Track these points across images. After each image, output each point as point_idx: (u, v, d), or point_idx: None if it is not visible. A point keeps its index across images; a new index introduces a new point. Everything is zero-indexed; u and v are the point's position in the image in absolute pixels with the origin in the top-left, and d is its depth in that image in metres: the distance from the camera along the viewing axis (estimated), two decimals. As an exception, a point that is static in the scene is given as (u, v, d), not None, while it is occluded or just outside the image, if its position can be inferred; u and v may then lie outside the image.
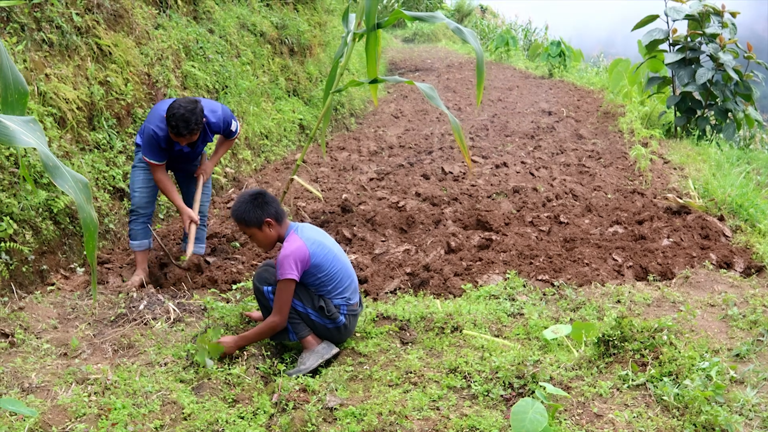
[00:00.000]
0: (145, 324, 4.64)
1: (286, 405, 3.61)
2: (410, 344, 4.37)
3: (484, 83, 6.40)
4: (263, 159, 9.25)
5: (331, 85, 6.89)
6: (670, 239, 6.11)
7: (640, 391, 3.50)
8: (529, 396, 3.51)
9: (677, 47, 10.57)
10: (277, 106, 10.37)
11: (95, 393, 3.69)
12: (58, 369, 3.95)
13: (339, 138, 11.24)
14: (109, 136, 6.44)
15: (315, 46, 12.48)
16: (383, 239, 6.41)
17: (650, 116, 11.76)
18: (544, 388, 3.30)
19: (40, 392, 3.68)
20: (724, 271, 5.43)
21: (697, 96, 10.56)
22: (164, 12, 8.16)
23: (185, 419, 3.51)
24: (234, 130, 5.55)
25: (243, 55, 9.65)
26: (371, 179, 8.63)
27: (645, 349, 3.70)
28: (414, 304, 4.94)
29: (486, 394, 3.64)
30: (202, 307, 4.90)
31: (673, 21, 10.53)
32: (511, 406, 3.33)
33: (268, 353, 4.22)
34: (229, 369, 3.98)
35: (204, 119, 5.20)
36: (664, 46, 10.81)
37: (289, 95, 11.07)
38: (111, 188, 6.22)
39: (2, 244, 4.88)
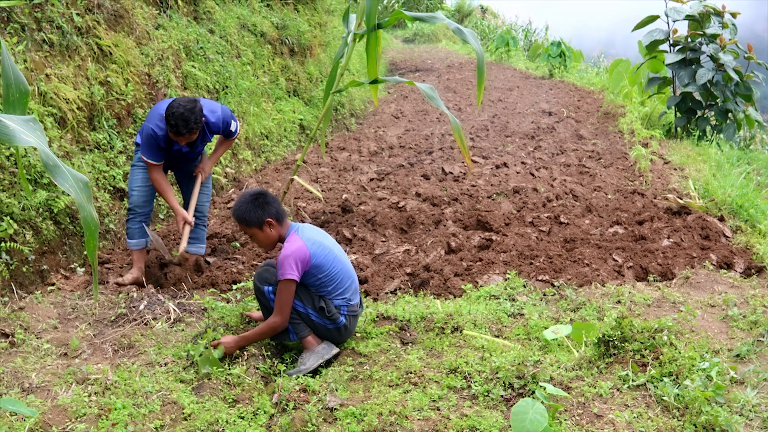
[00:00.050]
0: (146, 324, 4.64)
1: (287, 405, 3.61)
2: (410, 344, 4.37)
3: (485, 84, 6.39)
4: (263, 159, 9.25)
5: (331, 86, 6.89)
6: (671, 240, 6.11)
7: (641, 392, 3.50)
8: (529, 396, 3.51)
9: (678, 48, 10.57)
10: (277, 106, 10.37)
11: (95, 393, 3.69)
12: (59, 369, 3.95)
13: (339, 138, 11.24)
14: (110, 136, 6.44)
15: (315, 47, 12.48)
16: (383, 239, 6.41)
17: (650, 117, 11.76)
18: (545, 389, 3.30)
19: (41, 392, 3.68)
20: (725, 271, 5.43)
21: (697, 96, 10.56)
22: (165, 12, 8.16)
23: (185, 419, 3.51)
24: (234, 130, 5.54)
25: (243, 55, 9.65)
26: (371, 179, 8.63)
27: (645, 350, 3.70)
28: (414, 304, 4.94)
29: (486, 394, 3.64)
30: (203, 308, 4.90)
31: (674, 21, 10.53)
32: (512, 406, 3.33)
33: (269, 353, 4.22)
34: (230, 369, 3.98)
35: (203, 119, 5.20)
36: (665, 46, 10.82)
37: (289, 95, 11.08)
38: (111, 188, 6.23)
39: (2, 244, 4.88)
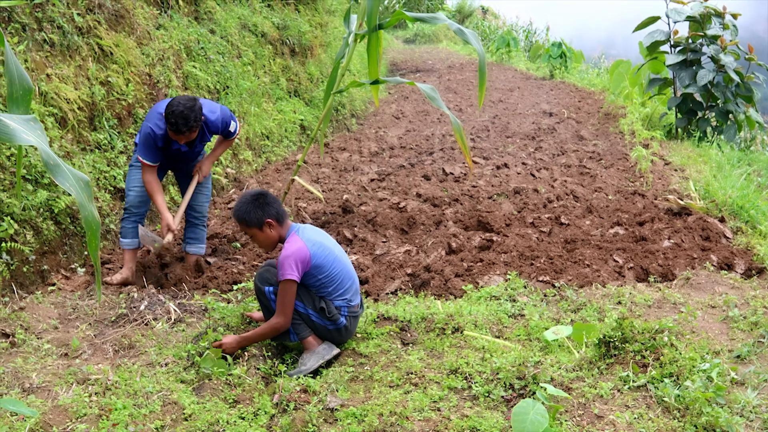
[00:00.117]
0: (146, 324, 4.65)
1: (287, 405, 3.61)
2: (411, 345, 4.37)
3: (486, 84, 6.39)
4: (264, 159, 9.25)
5: (332, 86, 6.89)
6: (671, 240, 6.11)
7: (641, 393, 3.50)
8: (530, 397, 3.51)
9: (678, 49, 10.57)
10: (278, 106, 10.37)
11: (96, 393, 3.69)
12: (59, 369, 3.95)
13: (340, 139, 11.24)
14: (110, 136, 6.44)
15: (316, 47, 12.49)
16: (384, 240, 6.41)
17: (651, 117, 11.76)
18: (545, 389, 3.29)
19: (41, 392, 3.68)
20: (725, 272, 5.43)
21: (698, 97, 10.55)
22: (165, 12, 8.17)
23: (186, 420, 3.51)
24: (233, 130, 5.53)
25: (244, 55, 9.65)
26: (372, 180, 8.62)
27: (646, 351, 3.70)
28: (415, 305, 4.94)
29: (487, 395, 3.63)
30: (203, 308, 4.90)
31: (674, 22, 10.53)
32: (512, 407, 3.33)
33: (269, 354, 4.22)
34: (230, 369, 3.98)
35: (202, 118, 5.20)
36: (665, 47, 10.81)
37: (290, 96, 11.08)
38: (112, 188, 6.23)
39: (3, 244, 4.88)
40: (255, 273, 4.54)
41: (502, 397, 3.60)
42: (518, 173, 8.81)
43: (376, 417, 3.42)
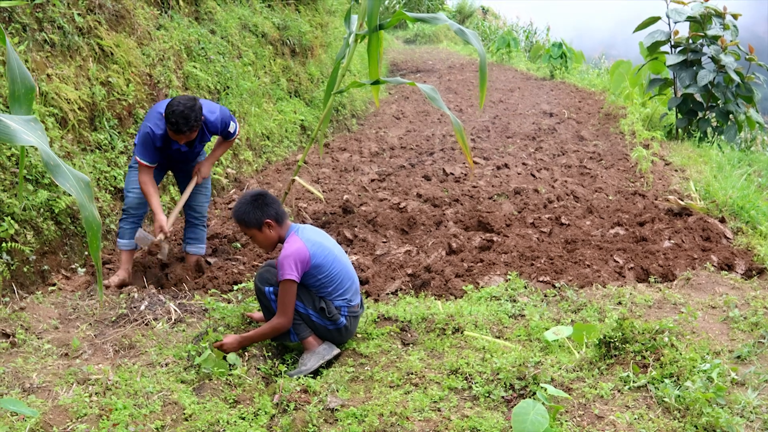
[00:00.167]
0: (146, 324, 4.65)
1: (287, 406, 3.61)
2: (411, 345, 4.37)
3: (486, 84, 6.39)
4: (264, 160, 9.25)
5: (332, 86, 6.89)
6: (672, 241, 6.11)
7: (641, 393, 3.50)
8: (530, 397, 3.51)
9: (679, 49, 10.57)
10: (278, 107, 10.37)
11: (96, 393, 3.69)
12: (59, 369, 3.95)
13: (340, 139, 11.24)
14: (111, 136, 6.44)
15: (316, 47, 12.49)
16: (384, 240, 6.41)
17: (651, 118, 11.76)
18: (545, 390, 3.29)
19: (41, 392, 3.68)
20: (725, 272, 5.43)
21: (698, 98, 10.55)
22: (166, 13, 8.17)
23: (186, 420, 3.51)
24: (232, 131, 5.52)
25: (244, 55, 9.65)
26: (372, 180, 8.62)
27: (646, 351, 3.70)
28: (415, 305, 4.94)
29: (487, 395, 3.64)
30: (204, 308, 4.90)
31: (675, 23, 10.53)
32: (513, 407, 3.33)
33: (269, 354, 4.22)
34: (230, 369, 3.98)
35: (202, 118, 5.19)
36: (666, 47, 10.81)
37: (290, 96, 11.08)
38: (112, 189, 6.23)
39: (3, 244, 4.88)
40: (255, 273, 4.54)
41: (503, 397, 3.60)
42: (519, 173, 8.81)
43: (376, 417, 3.42)
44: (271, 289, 4.17)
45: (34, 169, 5.36)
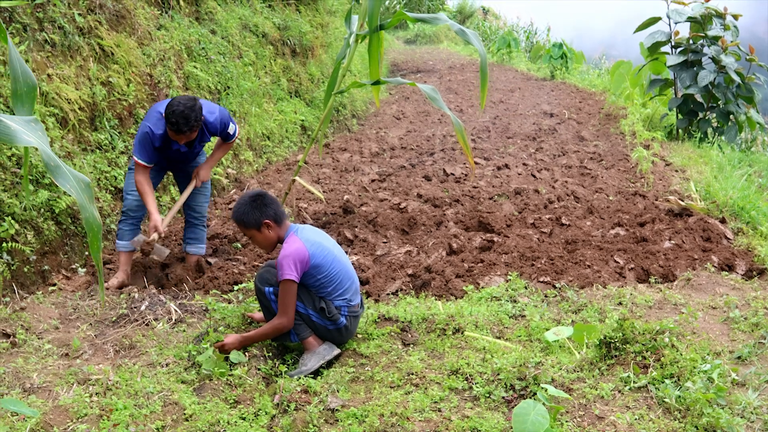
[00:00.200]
0: (147, 325, 4.65)
1: (288, 406, 3.61)
2: (412, 346, 4.37)
3: (487, 85, 6.38)
4: (265, 160, 9.25)
5: (333, 87, 6.89)
6: (672, 241, 6.11)
7: (642, 393, 3.50)
8: (530, 398, 3.51)
9: (679, 49, 10.57)
10: (278, 107, 10.38)
11: (97, 393, 3.69)
12: (60, 369, 3.95)
13: (340, 139, 11.25)
14: (111, 136, 6.44)
15: (317, 48, 12.49)
16: (385, 240, 6.41)
17: (652, 118, 11.76)
18: (546, 390, 3.29)
19: (42, 393, 3.68)
20: (726, 273, 5.43)
21: (698, 98, 10.55)
22: (166, 13, 8.17)
23: (187, 420, 3.51)
24: (232, 133, 5.51)
25: (245, 56, 9.66)
26: (373, 180, 8.62)
27: (646, 351, 3.70)
28: (415, 305, 4.94)
29: (488, 395, 3.63)
30: (204, 308, 4.90)
31: (675, 23, 10.53)
32: (513, 407, 3.33)
33: (270, 354, 4.22)
34: (231, 370, 3.98)
35: (202, 118, 5.19)
36: (666, 48, 10.82)
37: (290, 96, 11.08)
38: (113, 189, 6.23)
39: (4, 244, 4.88)
40: (255, 274, 4.54)
41: (503, 397, 3.60)
42: (519, 174, 8.81)
43: (376, 417, 3.42)
44: (271, 289, 4.17)
45: (34, 169, 5.36)
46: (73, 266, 5.49)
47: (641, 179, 8.47)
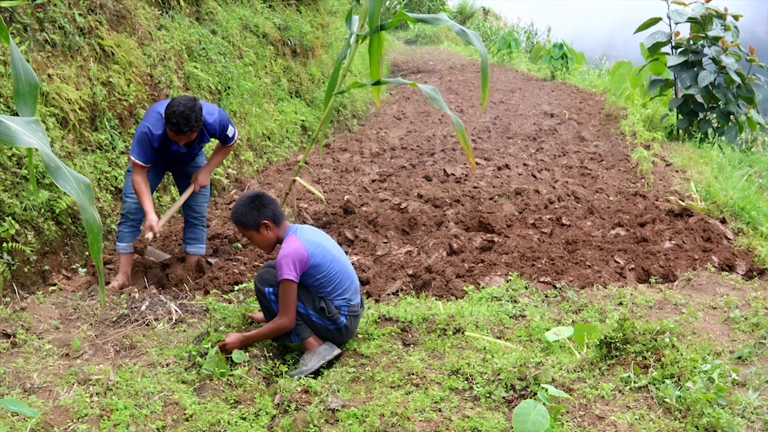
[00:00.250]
0: (147, 325, 4.65)
1: (288, 406, 3.61)
2: (412, 346, 4.37)
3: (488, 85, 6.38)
4: (265, 160, 9.25)
5: (333, 87, 6.89)
6: (672, 242, 6.11)
7: (642, 394, 3.50)
8: (531, 398, 3.51)
9: (680, 50, 10.57)
10: (279, 107, 10.38)
11: (97, 394, 3.69)
12: (60, 369, 3.95)
13: (341, 139, 11.25)
14: (112, 136, 6.44)
15: (317, 48, 12.49)
16: (385, 241, 6.41)
17: (652, 119, 11.76)
18: (546, 390, 3.29)
19: (42, 393, 3.68)
20: (726, 273, 5.43)
21: (699, 99, 10.55)
22: (167, 13, 8.17)
23: (187, 420, 3.51)
24: (231, 135, 5.49)
25: (245, 56, 9.66)
26: (373, 181, 8.63)
27: (647, 352, 3.70)
28: (416, 305, 4.94)
29: (488, 395, 3.63)
30: (204, 308, 4.90)
31: (676, 24, 10.53)
32: (513, 407, 3.33)
33: (270, 354, 4.22)
34: (232, 370, 3.98)
35: (202, 118, 5.18)
36: (667, 48, 10.82)
37: (291, 96, 11.08)
38: (113, 189, 6.23)
39: (4, 244, 4.88)
40: (255, 274, 4.54)
41: (504, 397, 3.60)
42: (519, 174, 8.81)
43: (377, 417, 3.42)
44: (271, 289, 4.17)
45: (35, 169, 5.36)
46: (74, 266, 5.49)
47: (642, 179, 8.47)
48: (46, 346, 4.21)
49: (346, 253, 6.08)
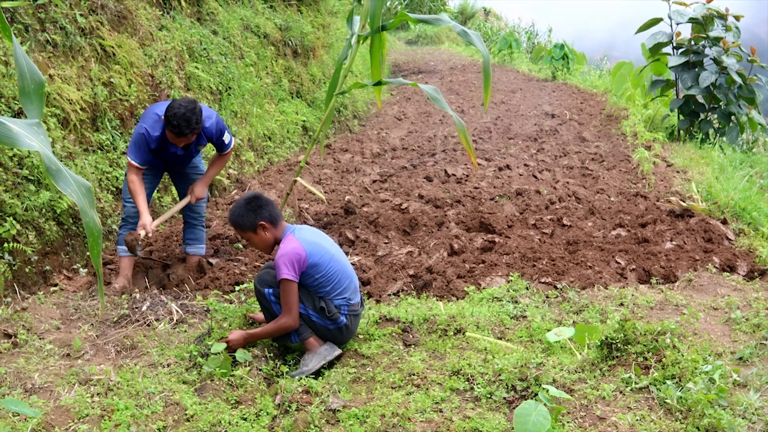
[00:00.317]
0: (148, 325, 4.65)
1: (289, 406, 3.61)
2: (413, 346, 4.37)
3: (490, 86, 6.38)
4: (266, 160, 9.25)
5: (334, 87, 6.89)
6: (673, 242, 6.11)
7: (643, 394, 3.49)
8: (532, 398, 3.51)
9: (681, 50, 10.57)
10: (280, 107, 10.38)
11: (98, 394, 3.69)
12: (61, 370, 3.96)
13: (342, 140, 11.25)
14: (113, 137, 6.45)
15: (318, 48, 12.49)
16: (386, 241, 6.41)
17: (653, 119, 11.75)
18: (547, 391, 3.29)
19: (43, 393, 3.68)
20: (727, 274, 5.42)
21: (700, 99, 10.55)
22: (168, 13, 8.17)
23: (188, 420, 3.52)
24: (227, 142, 5.45)
25: (246, 56, 9.66)
26: (374, 181, 8.63)
27: (648, 352, 3.70)
28: (417, 306, 4.94)
29: (489, 396, 3.63)
30: (205, 309, 4.90)
31: (677, 24, 10.53)
32: (514, 408, 3.32)
33: (271, 355, 4.22)
34: (233, 370, 3.99)
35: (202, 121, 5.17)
36: (668, 49, 10.82)
37: (292, 97, 11.09)
38: (114, 189, 6.23)
39: (5, 244, 4.89)
40: (255, 275, 4.54)
41: (504, 398, 3.60)
42: (520, 175, 8.81)
43: (378, 418, 3.42)
44: (271, 290, 4.17)
45: (36, 169, 5.36)
46: (75, 266, 5.49)
47: (642, 180, 8.47)
48: (47, 347, 4.21)
49: (347, 253, 6.08)
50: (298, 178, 6.86)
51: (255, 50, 10.03)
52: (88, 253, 5.64)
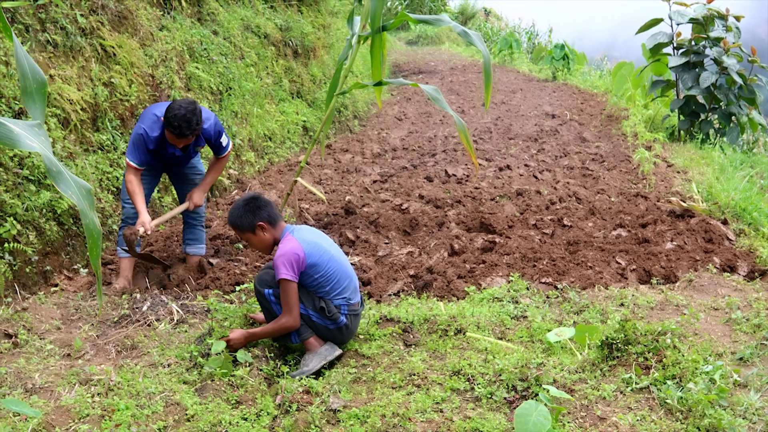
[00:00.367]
0: (149, 325, 4.65)
1: (290, 406, 3.61)
2: (414, 346, 4.37)
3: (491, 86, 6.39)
4: (267, 161, 9.26)
5: (335, 88, 6.89)
6: (674, 243, 6.11)
7: (644, 395, 3.49)
8: (532, 398, 3.51)
9: (681, 51, 10.57)
10: (280, 108, 10.38)
11: (98, 394, 3.69)
12: (62, 370, 3.96)
13: (342, 140, 11.25)
14: (113, 137, 6.45)
15: (319, 49, 12.50)
16: (386, 241, 6.41)
17: (654, 120, 11.75)
18: (548, 391, 3.29)
19: (44, 393, 3.68)
20: (728, 274, 5.42)
21: (700, 99, 10.55)
22: (168, 13, 8.18)
23: (188, 420, 3.52)
24: (225, 145, 5.45)
25: (247, 56, 9.66)
26: (375, 181, 8.63)
27: (648, 353, 3.70)
28: (417, 306, 4.94)
29: (489, 396, 3.63)
30: (206, 309, 4.90)
31: (677, 24, 10.53)
32: (515, 408, 3.32)
33: (272, 355, 4.22)
34: (234, 370, 3.99)
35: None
36: (668, 49, 10.81)
37: (292, 97, 11.09)
38: (114, 189, 6.23)
39: (6, 244, 4.89)
40: (255, 275, 4.54)
41: (505, 398, 3.60)
42: (521, 175, 8.81)
43: (378, 418, 3.42)
44: (271, 291, 4.17)
45: (36, 169, 5.36)
46: (75, 267, 5.49)
47: (643, 180, 8.47)
48: (47, 347, 4.21)
49: (348, 253, 6.08)
50: (299, 179, 6.86)
51: (255, 50, 10.03)
52: (88, 254, 5.64)
